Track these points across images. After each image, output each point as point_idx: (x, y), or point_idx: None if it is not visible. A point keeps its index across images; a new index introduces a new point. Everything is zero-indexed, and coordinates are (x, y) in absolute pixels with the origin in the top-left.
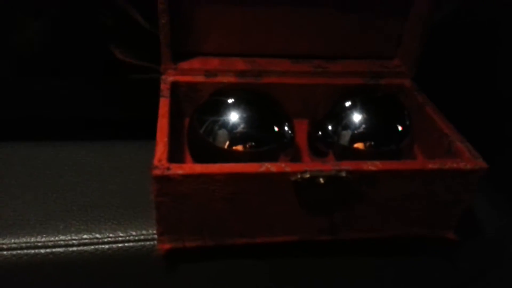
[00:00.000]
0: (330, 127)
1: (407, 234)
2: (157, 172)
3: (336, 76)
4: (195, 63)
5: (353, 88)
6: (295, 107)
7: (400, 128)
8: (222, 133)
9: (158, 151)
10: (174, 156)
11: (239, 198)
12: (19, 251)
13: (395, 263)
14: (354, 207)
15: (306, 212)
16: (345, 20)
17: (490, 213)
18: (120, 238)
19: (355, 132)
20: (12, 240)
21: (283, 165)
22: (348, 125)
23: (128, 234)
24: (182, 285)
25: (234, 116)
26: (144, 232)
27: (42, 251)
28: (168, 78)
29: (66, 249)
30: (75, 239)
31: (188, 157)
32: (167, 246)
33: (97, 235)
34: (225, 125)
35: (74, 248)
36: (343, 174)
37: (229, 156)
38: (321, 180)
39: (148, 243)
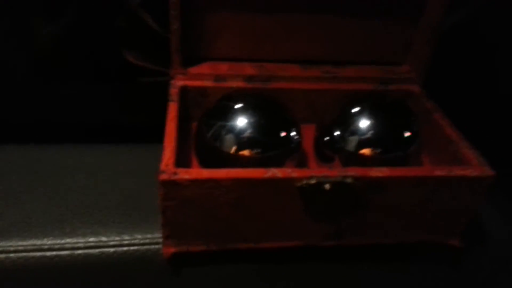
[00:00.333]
0: (337, 133)
1: (413, 240)
2: (164, 176)
3: (345, 82)
4: (204, 67)
5: (361, 94)
6: (302, 112)
7: (407, 134)
8: (229, 138)
9: (165, 155)
10: (181, 160)
11: (245, 203)
12: (25, 254)
13: (401, 269)
14: (360, 213)
15: (311, 218)
16: (354, 26)
17: (496, 220)
18: (125, 242)
19: (362, 138)
20: (19, 243)
21: (289, 170)
22: (355, 131)
23: (134, 237)
24: None
25: (241, 121)
26: (149, 235)
27: (48, 253)
28: (177, 83)
29: (72, 252)
30: (81, 242)
31: (194, 161)
32: (172, 250)
33: (103, 238)
34: (232, 130)
35: (80, 251)
36: (350, 180)
37: (236, 161)
38: (327, 186)
39: (153, 246)
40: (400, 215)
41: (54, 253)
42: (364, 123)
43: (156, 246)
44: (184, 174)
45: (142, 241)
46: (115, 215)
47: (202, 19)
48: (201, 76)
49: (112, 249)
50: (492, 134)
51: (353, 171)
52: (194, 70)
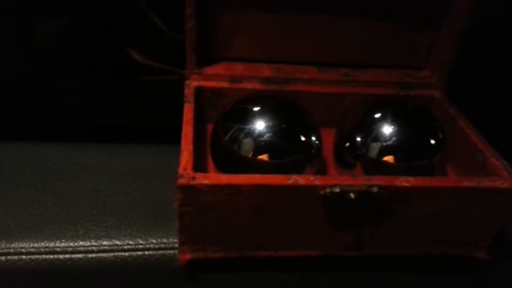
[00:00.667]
0: (358, 139)
1: (437, 252)
2: (182, 181)
3: (364, 86)
4: (219, 68)
5: (382, 99)
6: (321, 116)
7: (433, 142)
8: (248, 141)
9: (183, 159)
10: (197, 164)
11: (265, 210)
12: (37, 256)
13: (424, 281)
14: (383, 223)
15: (333, 227)
16: (374, 29)
17: None
18: (140, 246)
19: (385, 144)
20: (31, 245)
21: (312, 178)
22: (378, 137)
23: (148, 242)
24: None
25: (260, 125)
26: (164, 240)
27: (61, 256)
28: (192, 83)
29: (85, 255)
30: (94, 246)
31: (211, 164)
32: (188, 256)
33: (117, 242)
34: (250, 133)
35: (94, 255)
36: (375, 189)
37: (254, 165)
38: (352, 195)
39: (168, 252)
40: (425, 226)
41: (67, 256)
42: (387, 130)
43: (172, 252)
44: (203, 179)
45: (157, 246)
46: (130, 218)
47: (218, 19)
48: (216, 77)
49: (126, 253)
50: None
51: (378, 180)
52: (209, 70)
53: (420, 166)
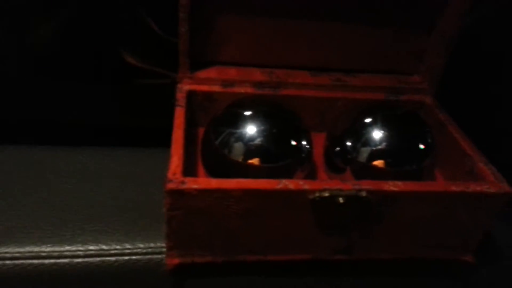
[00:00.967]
0: (349, 143)
1: (425, 256)
2: (171, 185)
3: (356, 91)
4: (212, 72)
5: (373, 104)
6: (312, 120)
7: (422, 147)
8: (238, 146)
9: (173, 163)
10: (188, 168)
11: (254, 214)
12: (22, 261)
13: (412, 285)
14: (371, 227)
15: (322, 231)
16: (366, 34)
17: (510, 236)
18: (127, 251)
19: (375, 149)
20: (16, 249)
21: (301, 182)
22: (368, 142)
23: (136, 246)
24: None
25: (251, 129)
26: (152, 245)
27: (47, 261)
28: (184, 87)
29: (71, 260)
30: (81, 250)
31: (201, 169)
32: (175, 261)
33: (104, 247)
34: (241, 137)
35: (80, 260)
36: (364, 194)
37: (245, 169)
38: (341, 200)
39: (156, 256)
40: (413, 230)
41: (52, 261)
42: (377, 134)
43: (159, 256)
44: (192, 184)
45: (144, 251)
46: (117, 222)
47: (210, 23)
48: (208, 81)
49: (113, 258)
50: (507, 147)
51: (367, 185)
52: (201, 74)
53: (409, 170)
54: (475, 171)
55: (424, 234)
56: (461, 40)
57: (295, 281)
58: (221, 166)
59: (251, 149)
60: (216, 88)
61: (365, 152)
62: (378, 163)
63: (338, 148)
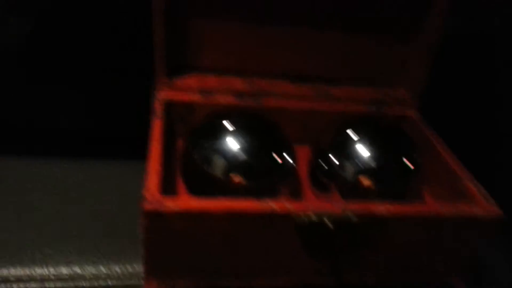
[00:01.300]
0: (333, 158)
1: (413, 280)
2: (148, 206)
3: (338, 102)
4: (191, 80)
5: (357, 117)
6: (295, 132)
7: (409, 164)
8: (219, 161)
9: (150, 181)
10: (166, 183)
11: (237, 236)
12: None
13: None
14: (359, 251)
15: (307, 254)
16: (350, 43)
17: (499, 260)
18: (102, 275)
19: (361, 166)
20: None
21: (286, 203)
22: (353, 158)
23: (112, 270)
24: None
25: (233, 143)
26: (129, 269)
27: (15, 285)
28: (162, 96)
29: (42, 284)
30: (53, 274)
31: (181, 184)
32: (154, 286)
33: (77, 270)
34: (223, 152)
35: (51, 285)
36: (352, 217)
37: (226, 186)
38: (328, 224)
39: (133, 281)
40: (401, 253)
41: (21, 285)
42: (363, 150)
43: (137, 281)
44: (171, 204)
45: (121, 275)
46: (93, 243)
47: (190, 27)
48: (187, 89)
49: (87, 283)
50: (493, 163)
51: (355, 207)
52: (179, 82)
53: (396, 188)
54: (464, 191)
55: (412, 257)
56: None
57: None
58: (202, 182)
59: (232, 164)
60: (196, 97)
61: (350, 168)
62: (364, 180)
63: (322, 164)
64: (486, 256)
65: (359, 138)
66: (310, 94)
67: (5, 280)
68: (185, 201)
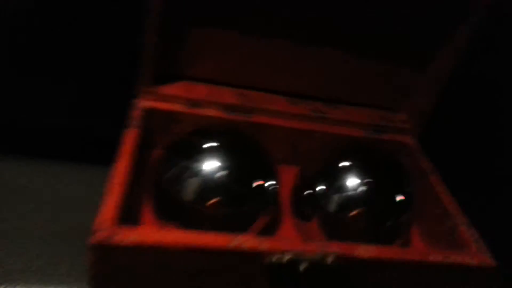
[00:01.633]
0: (319, 188)
1: None
2: (96, 237)
3: (335, 124)
4: (177, 88)
5: (350, 144)
6: (284, 151)
7: (400, 200)
8: (192, 182)
9: (106, 207)
10: (133, 203)
11: (201, 276)
12: None
13: None
14: None
15: None
16: (352, 63)
17: None
18: None
19: (347, 199)
20: None
21: (257, 241)
22: (340, 190)
23: None
24: None
25: (208, 163)
26: None
27: None
28: (143, 103)
29: None
30: None
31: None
32: None
33: None
34: (196, 172)
35: None
36: (330, 259)
37: (198, 211)
38: (303, 267)
39: None
40: None
41: None
42: (351, 182)
43: None
44: (125, 236)
45: None
46: (44, 260)
47: (182, 33)
48: (172, 98)
49: None
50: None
51: (335, 248)
52: (165, 89)
53: (384, 225)
54: (456, 234)
55: None
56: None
57: None
58: (171, 204)
59: (207, 187)
60: (180, 107)
61: (336, 201)
62: (350, 215)
63: (307, 192)
64: None
65: (349, 168)
66: (304, 113)
67: None
68: (141, 233)
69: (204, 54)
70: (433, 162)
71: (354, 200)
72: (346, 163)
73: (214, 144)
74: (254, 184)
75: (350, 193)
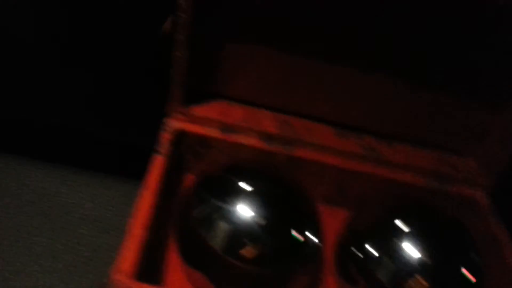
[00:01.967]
0: (369, 249)
1: None
2: None
3: (390, 167)
4: (211, 109)
5: (409, 198)
6: (328, 191)
7: (466, 274)
8: (222, 228)
9: (124, 256)
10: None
11: None
12: None
13: None
14: None
15: None
16: (414, 94)
17: None
18: None
19: (405, 267)
20: None
21: None
22: (395, 257)
23: None
24: None
25: (243, 209)
26: None
27: None
28: (173, 125)
29: None
30: None
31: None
32: None
33: None
34: (226, 216)
35: None
36: None
37: (227, 262)
38: None
39: None
40: None
41: None
42: (409, 249)
43: None
44: None
45: None
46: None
47: (221, 48)
48: (205, 121)
49: None
50: None
51: None
52: (198, 110)
53: None
54: None
55: None
56: None
57: None
58: (196, 250)
59: (237, 236)
60: (214, 132)
61: (389, 269)
62: (405, 286)
63: (355, 251)
64: None
65: (408, 231)
66: (354, 150)
67: None
68: None
69: (243, 73)
70: (508, 227)
71: (410, 271)
72: (404, 224)
73: (250, 184)
74: (293, 238)
75: (406, 262)
